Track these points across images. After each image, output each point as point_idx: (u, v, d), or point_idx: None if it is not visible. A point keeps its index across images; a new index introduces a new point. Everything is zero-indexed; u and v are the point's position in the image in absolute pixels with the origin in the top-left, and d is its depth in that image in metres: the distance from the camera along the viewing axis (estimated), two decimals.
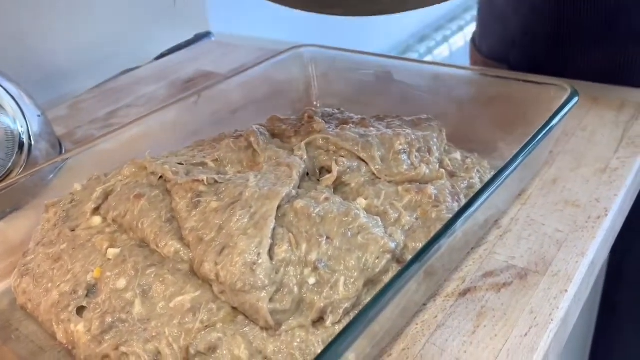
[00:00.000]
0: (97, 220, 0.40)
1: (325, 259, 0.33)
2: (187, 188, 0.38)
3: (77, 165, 0.46)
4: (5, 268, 0.41)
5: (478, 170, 0.44)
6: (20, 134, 0.52)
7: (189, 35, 0.91)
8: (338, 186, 0.42)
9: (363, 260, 0.33)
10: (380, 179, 0.41)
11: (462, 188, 0.41)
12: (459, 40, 1.62)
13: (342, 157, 0.43)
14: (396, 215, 0.38)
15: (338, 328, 0.32)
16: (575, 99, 0.42)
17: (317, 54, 0.59)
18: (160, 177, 0.41)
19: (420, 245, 0.35)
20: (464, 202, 0.39)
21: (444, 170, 0.42)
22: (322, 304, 0.32)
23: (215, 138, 0.48)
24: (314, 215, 0.35)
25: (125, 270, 0.35)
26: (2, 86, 0.53)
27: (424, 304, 0.36)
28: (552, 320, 0.33)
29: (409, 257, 0.34)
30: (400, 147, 0.42)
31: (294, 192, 0.37)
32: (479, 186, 0.42)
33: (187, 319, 0.32)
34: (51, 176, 0.46)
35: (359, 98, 0.58)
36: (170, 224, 0.37)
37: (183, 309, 0.32)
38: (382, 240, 0.34)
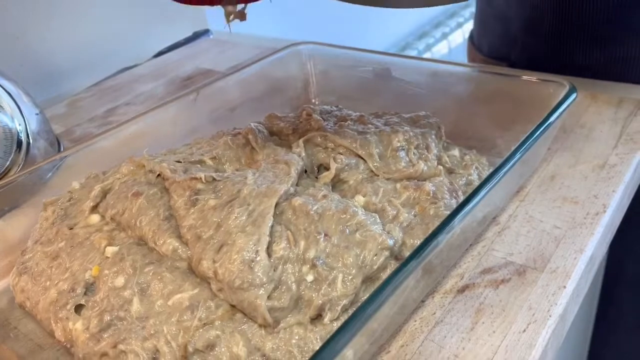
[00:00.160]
0: (95, 218, 0.40)
1: (323, 256, 0.33)
2: (185, 186, 0.38)
3: (76, 164, 0.46)
4: (3, 266, 0.41)
5: (476, 167, 0.44)
6: (18, 132, 0.52)
7: (188, 33, 0.91)
8: (336, 183, 0.42)
9: (361, 257, 0.33)
10: (378, 176, 0.41)
11: (460, 185, 0.41)
12: (458, 37, 1.62)
13: (340, 154, 0.43)
14: (394, 212, 0.38)
15: (336, 325, 0.32)
16: (574, 96, 0.42)
17: (315, 52, 0.59)
18: (159, 175, 0.41)
19: (418, 242, 0.35)
20: (462, 198, 0.39)
21: (442, 167, 0.42)
22: (320, 301, 0.32)
23: (213, 136, 0.47)
24: (312, 212, 0.35)
25: (123, 268, 0.35)
26: (0, 84, 0.53)
27: (422, 301, 0.36)
28: (550, 316, 0.33)
29: (407, 253, 0.35)
30: (399, 144, 0.42)
31: (292, 189, 0.37)
32: (477, 183, 0.42)
33: (185, 317, 0.32)
34: (49, 174, 0.45)
35: (357, 95, 0.58)
36: (168, 222, 0.37)
37: (181, 306, 0.32)
38: (380, 237, 0.34)
